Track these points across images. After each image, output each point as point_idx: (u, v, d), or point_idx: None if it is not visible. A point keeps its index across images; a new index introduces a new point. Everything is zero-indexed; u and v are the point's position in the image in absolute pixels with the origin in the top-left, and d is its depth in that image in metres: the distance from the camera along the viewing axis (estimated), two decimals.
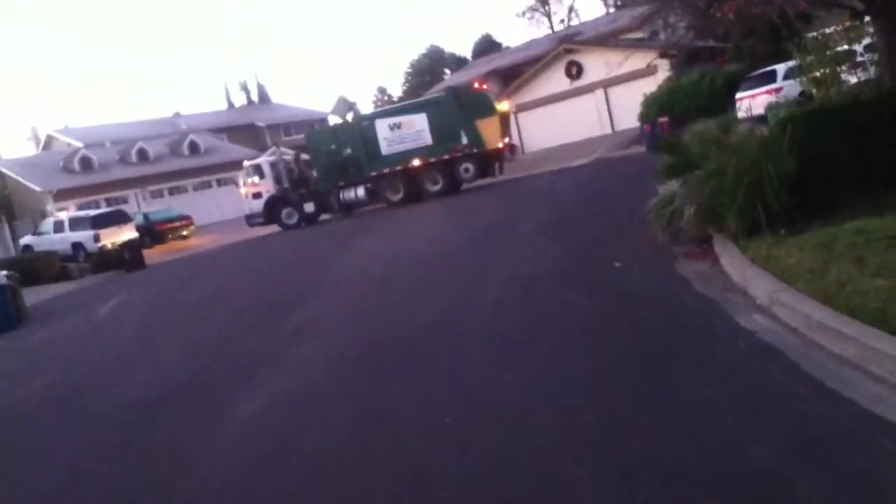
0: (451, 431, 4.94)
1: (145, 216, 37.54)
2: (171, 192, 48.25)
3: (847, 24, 11.34)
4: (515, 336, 6.98)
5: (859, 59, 11.60)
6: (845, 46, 11.33)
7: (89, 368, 10.48)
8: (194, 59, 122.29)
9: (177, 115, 63.64)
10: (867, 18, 10.93)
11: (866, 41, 11.62)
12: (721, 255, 7.72)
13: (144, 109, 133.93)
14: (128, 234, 31.27)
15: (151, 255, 30.45)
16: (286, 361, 7.92)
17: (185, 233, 37.42)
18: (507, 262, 10.77)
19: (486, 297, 8.81)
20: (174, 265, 26.24)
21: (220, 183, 49.63)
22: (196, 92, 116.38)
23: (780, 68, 21.45)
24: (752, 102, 19.89)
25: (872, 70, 11.22)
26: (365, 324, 9.08)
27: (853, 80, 11.25)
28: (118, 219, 32.60)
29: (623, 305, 7.15)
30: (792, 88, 16.85)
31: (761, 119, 14.17)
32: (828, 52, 10.82)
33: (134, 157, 49.01)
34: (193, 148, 51.88)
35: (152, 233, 35.67)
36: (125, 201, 44.60)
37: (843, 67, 11.10)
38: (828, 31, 11.62)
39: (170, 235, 36.65)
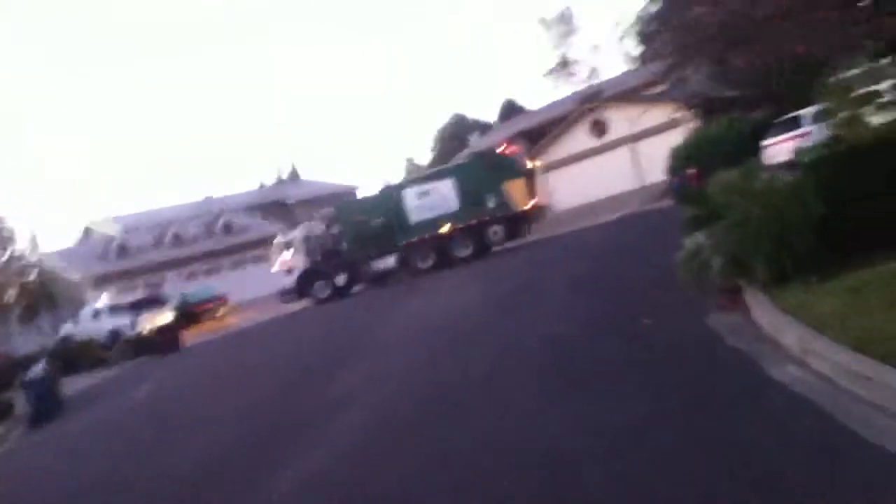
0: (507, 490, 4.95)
1: (183, 296, 37.92)
2: (208, 272, 48.82)
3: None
4: (553, 392, 6.99)
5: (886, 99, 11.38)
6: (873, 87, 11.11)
7: (122, 459, 10.46)
8: (231, 134, 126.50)
9: (209, 198, 64.49)
10: None
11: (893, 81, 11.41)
12: (752, 305, 7.49)
13: (181, 189, 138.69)
14: (164, 318, 31.62)
15: (189, 335, 30.59)
16: (325, 440, 7.76)
17: (219, 313, 37.67)
18: (540, 321, 10.77)
19: (522, 357, 8.83)
20: (209, 346, 26.32)
21: (254, 260, 50.08)
22: (231, 172, 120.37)
23: (806, 113, 21.23)
24: (779, 149, 19.67)
25: None
26: (408, 389, 9.10)
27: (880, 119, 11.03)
28: (154, 303, 33.06)
29: (654, 361, 7.00)
30: (820, 132, 16.61)
31: (790, 164, 13.95)
32: (851, 94, 10.63)
33: (169, 241, 49.80)
34: (227, 228, 52.66)
35: (189, 314, 35.89)
36: (161, 284, 45.16)
37: (870, 107, 10.89)
38: (852, 72, 11.44)
39: (205, 316, 36.90)
